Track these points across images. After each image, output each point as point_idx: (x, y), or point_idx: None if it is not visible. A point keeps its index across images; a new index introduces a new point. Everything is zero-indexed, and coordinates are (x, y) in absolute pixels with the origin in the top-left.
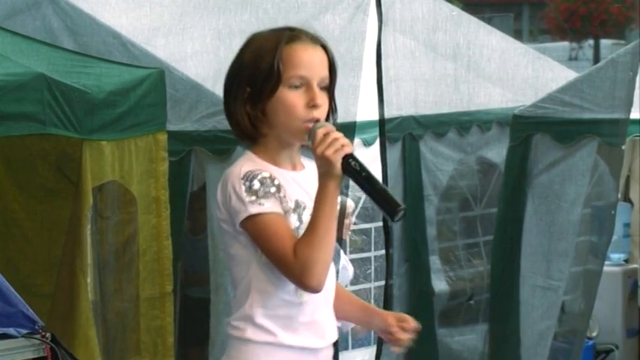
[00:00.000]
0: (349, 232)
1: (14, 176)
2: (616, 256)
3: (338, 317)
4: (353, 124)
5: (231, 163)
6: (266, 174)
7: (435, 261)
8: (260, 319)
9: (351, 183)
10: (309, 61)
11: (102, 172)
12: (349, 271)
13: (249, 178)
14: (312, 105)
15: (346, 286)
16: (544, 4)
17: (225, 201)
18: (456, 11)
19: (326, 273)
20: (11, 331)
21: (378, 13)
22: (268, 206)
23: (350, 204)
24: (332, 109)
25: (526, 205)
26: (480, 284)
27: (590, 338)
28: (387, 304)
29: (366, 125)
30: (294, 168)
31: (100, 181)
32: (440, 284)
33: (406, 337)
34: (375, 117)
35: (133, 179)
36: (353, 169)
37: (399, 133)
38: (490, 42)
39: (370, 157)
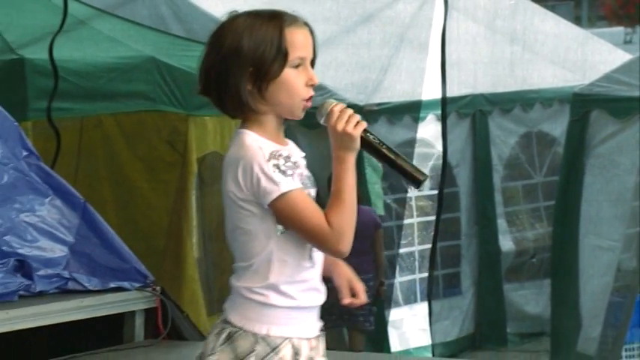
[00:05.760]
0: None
1: (134, 150)
2: None
3: None
4: (419, 102)
5: (314, 135)
6: (285, 152)
7: (501, 224)
8: (284, 286)
9: None
10: (305, 43)
11: (205, 144)
12: None
13: (274, 157)
14: (310, 84)
15: None
16: None
17: (249, 183)
18: (514, 0)
19: (352, 237)
20: (125, 284)
21: (444, 1)
22: (296, 182)
23: None
24: None
25: (585, 174)
26: (542, 244)
27: None
28: (432, 268)
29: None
30: (285, 145)
31: (203, 152)
32: (506, 244)
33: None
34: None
35: None
36: (373, 142)
37: (470, 110)
38: (544, 28)
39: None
